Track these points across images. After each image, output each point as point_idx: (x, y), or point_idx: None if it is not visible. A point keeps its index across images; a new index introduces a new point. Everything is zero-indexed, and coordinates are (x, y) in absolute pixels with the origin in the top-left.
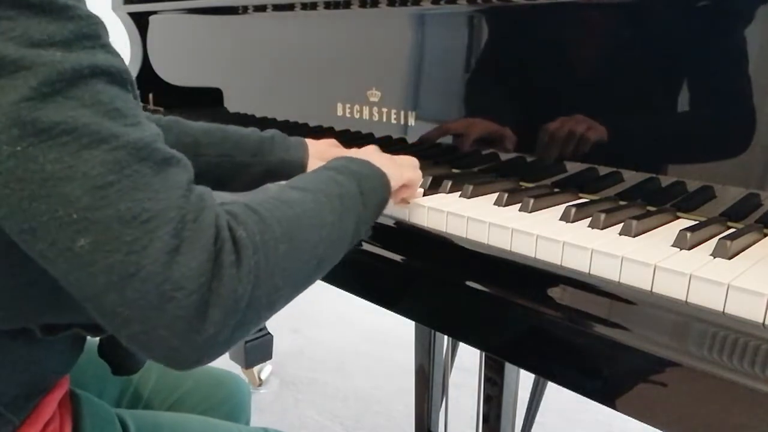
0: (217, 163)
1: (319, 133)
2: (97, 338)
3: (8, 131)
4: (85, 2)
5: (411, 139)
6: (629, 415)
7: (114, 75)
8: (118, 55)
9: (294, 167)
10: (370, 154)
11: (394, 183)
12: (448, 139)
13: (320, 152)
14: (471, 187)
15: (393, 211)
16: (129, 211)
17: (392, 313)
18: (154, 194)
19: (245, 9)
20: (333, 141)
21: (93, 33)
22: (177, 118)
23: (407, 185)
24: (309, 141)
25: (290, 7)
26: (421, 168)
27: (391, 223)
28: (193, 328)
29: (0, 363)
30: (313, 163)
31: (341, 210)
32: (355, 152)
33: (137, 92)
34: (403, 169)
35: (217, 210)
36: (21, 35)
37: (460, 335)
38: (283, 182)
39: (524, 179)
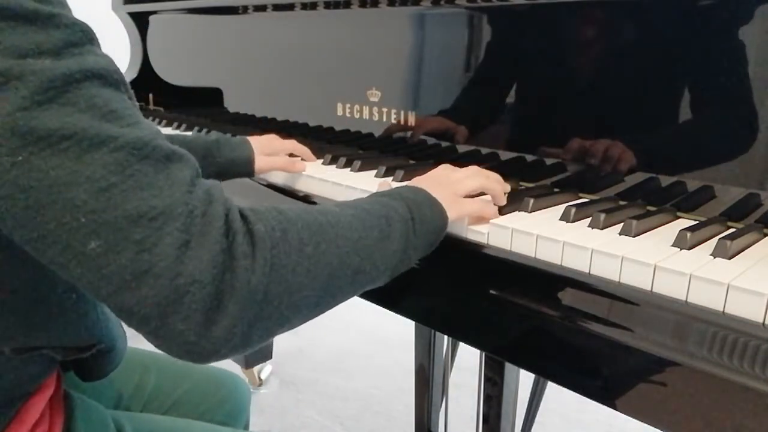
0: None
1: (320, 132)
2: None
3: (8, 142)
4: (71, 10)
5: (411, 139)
6: (629, 415)
7: (106, 77)
8: (107, 57)
9: (242, 165)
10: (431, 186)
11: (453, 215)
12: (448, 139)
13: (263, 146)
14: None
15: None
16: (135, 210)
17: (392, 313)
18: (158, 191)
19: (245, 9)
20: (273, 135)
21: (80, 39)
22: None
23: (479, 215)
24: (251, 138)
25: (290, 7)
26: (420, 168)
27: None
28: (209, 320)
29: None
30: (259, 160)
31: (386, 228)
32: (417, 180)
33: (132, 93)
34: (463, 204)
35: (228, 204)
36: (8, 47)
37: (460, 335)
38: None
39: (524, 179)
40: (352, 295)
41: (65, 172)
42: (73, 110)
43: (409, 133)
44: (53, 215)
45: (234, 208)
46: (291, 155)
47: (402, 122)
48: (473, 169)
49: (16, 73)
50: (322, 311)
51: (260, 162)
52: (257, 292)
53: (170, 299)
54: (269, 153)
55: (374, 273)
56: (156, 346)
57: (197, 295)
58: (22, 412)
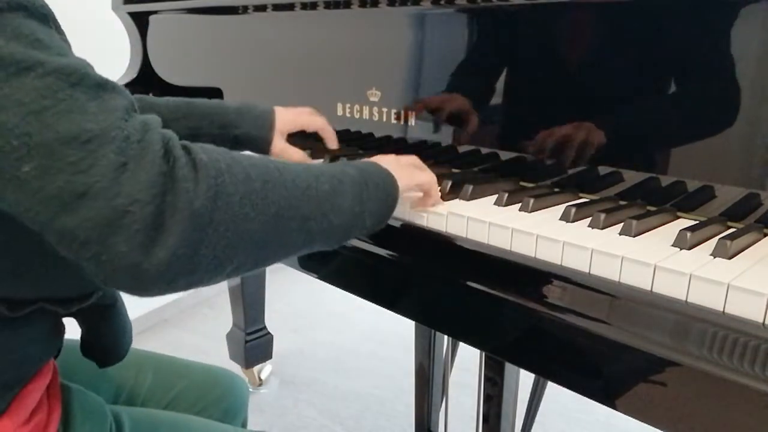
0: (184, 137)
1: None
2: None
3: None
4: None
5: (411, 139)
6: (629, 415)
7: (30, 9)
8: None
9: (259, 142)
10: (379, 158)
11: (403, 184)
12: (448, 139)
13: (287, 122)
14: (471, 187)
15: (396, 211)
16: (68, 133)
17: (392, 313)
18: (92, 116)
19: (245, 9)
20: (303, 110)
21: None
22: (141, 95)
23: (426, 193)
24: (278, 109)
25: (290, 7)
26: None
27: (391, 222)
28: (152, 241)
29: None
30: (277, 142)
31: (338, 186)
32: (366, 161)
33: (63, 31)
34: (413, 174)
35: (169, 134)
36: None
37: (460, 335)
38: None
39: (524, 179)
40: (305, 247)
41: None
42: None
43: (409, 133)
44: None
45: (175, 139)
46: (316, 135)
47: (402, 122)
48: (415, 160)
49: None
50: (273, 257)
51: (276, 147)
52: (201, 216)
53: (110, 219)
54: (293, 129)
55: (324, 224)
56: (101, 278)
57: (137, 214)
58: (19, 398)
